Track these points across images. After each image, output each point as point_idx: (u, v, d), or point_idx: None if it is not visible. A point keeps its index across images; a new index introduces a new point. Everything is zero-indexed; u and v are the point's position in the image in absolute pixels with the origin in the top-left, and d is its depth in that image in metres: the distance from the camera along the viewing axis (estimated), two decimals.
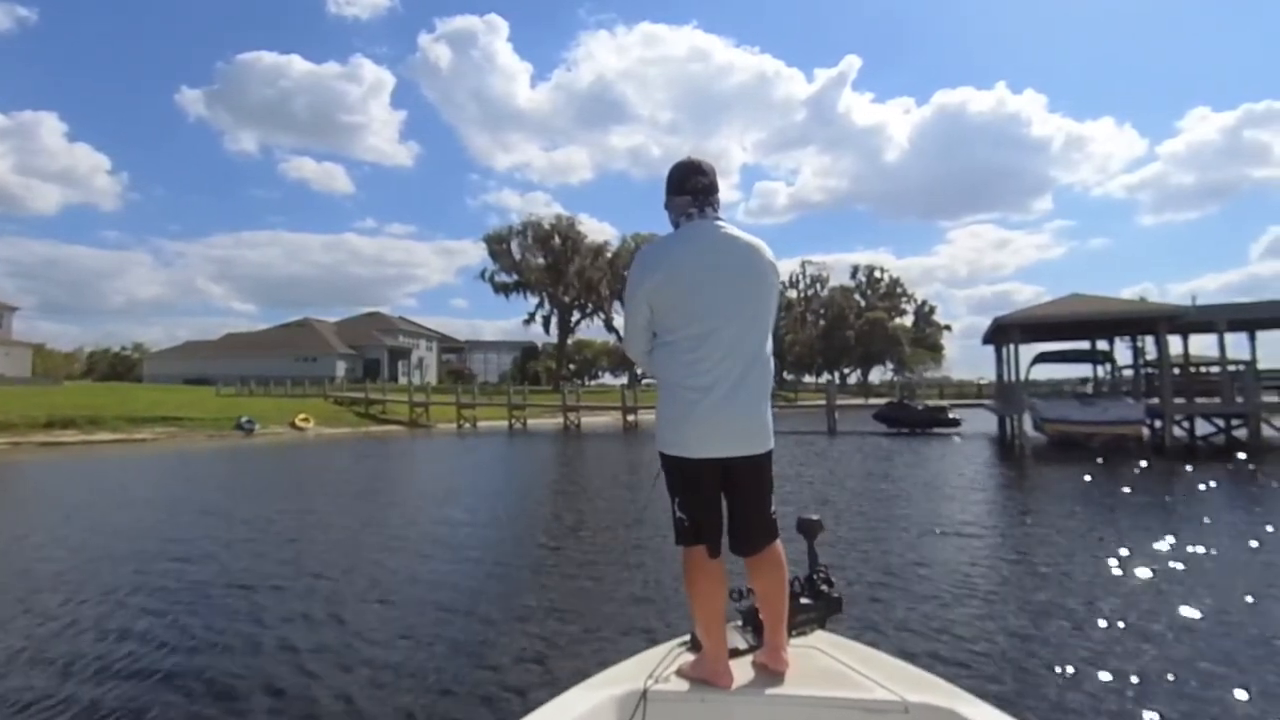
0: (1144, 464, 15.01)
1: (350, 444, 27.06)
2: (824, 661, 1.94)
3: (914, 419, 28.41)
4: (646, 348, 2.05)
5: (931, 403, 32.17)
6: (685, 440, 1.91)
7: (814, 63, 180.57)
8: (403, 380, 55.51)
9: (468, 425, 37.26)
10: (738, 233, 1.99)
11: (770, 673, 1.89)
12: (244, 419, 32.67)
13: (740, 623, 2.14)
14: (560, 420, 37.50)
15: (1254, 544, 7.26)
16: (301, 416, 34.67)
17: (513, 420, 37.60)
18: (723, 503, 2.00)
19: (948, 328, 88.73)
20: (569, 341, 68.02)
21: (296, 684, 4.01)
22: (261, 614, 5.31)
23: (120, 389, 43.36)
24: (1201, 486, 11.89)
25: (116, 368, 70.08)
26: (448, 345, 78.13)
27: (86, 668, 4.24)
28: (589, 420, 38.58)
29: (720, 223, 2.00)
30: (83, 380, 57.58)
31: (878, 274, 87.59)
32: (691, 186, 2.02)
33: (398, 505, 11.57)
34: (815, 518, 2.34)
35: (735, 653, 1.98)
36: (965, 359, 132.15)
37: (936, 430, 27.53)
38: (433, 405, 38.69)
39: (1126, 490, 11.30)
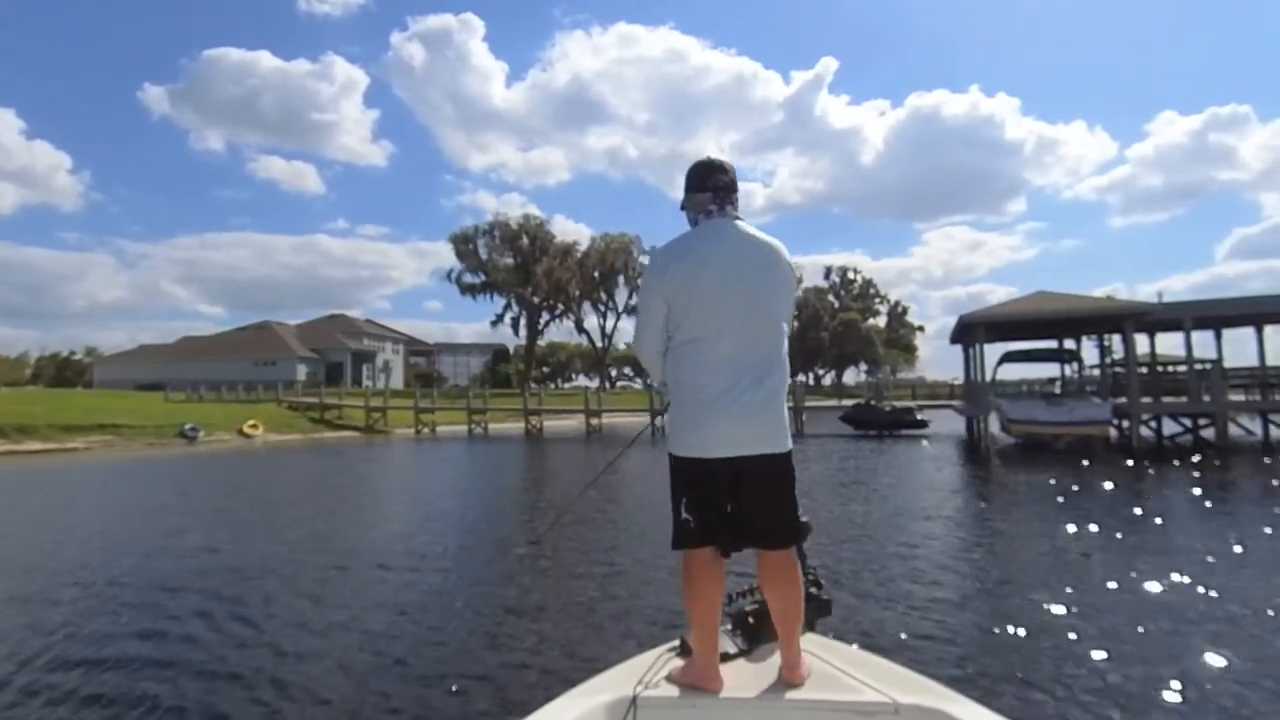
0: (1109, 465, 14.47)
1: (299, 452, 25.76)
2: (814, 664, 1.92)
3: (881, 421, 28.15)
4: (660, 348, 1.99)
5: (900, 404, 31.81)
6: (704, 442, 1.86)
7: (791, 65, 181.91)
8: (367, 384, 54.01)
9: (426, 431, 36.07)
10: (756, 232, 1.97)
11: (761, 676, 1.89)
12: (188, 426, 31.21)
13: (730, 626, 2.10)
14: (523, 425, 36.46)
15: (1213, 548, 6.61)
16: (250, 423, 33.18)
17: (473, 425, 36.49)
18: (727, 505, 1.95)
19: (920, 328, 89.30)
20: (542, 343, 66.97)
21: None
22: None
23: (60, 395, 41.44)
24: (1164, 486, 11.27)
25: (65, 373, 67.39)
26: (416, 348, 76.49)
27: None
28: (552, 425, 37.54)
29: (739, 221, 1.98)
30: (29, 387, 55.25)
31: (851, 275, 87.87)
32: (713, 184, 2.00)
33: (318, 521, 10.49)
34: (804, 519, 2.27)
35: (725, 657, 1.96)
36: (940, 360, 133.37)
37: (903, 432, 27.22)
38: (391, 410, 37.32)
39: (1089, 494, 10.68)
